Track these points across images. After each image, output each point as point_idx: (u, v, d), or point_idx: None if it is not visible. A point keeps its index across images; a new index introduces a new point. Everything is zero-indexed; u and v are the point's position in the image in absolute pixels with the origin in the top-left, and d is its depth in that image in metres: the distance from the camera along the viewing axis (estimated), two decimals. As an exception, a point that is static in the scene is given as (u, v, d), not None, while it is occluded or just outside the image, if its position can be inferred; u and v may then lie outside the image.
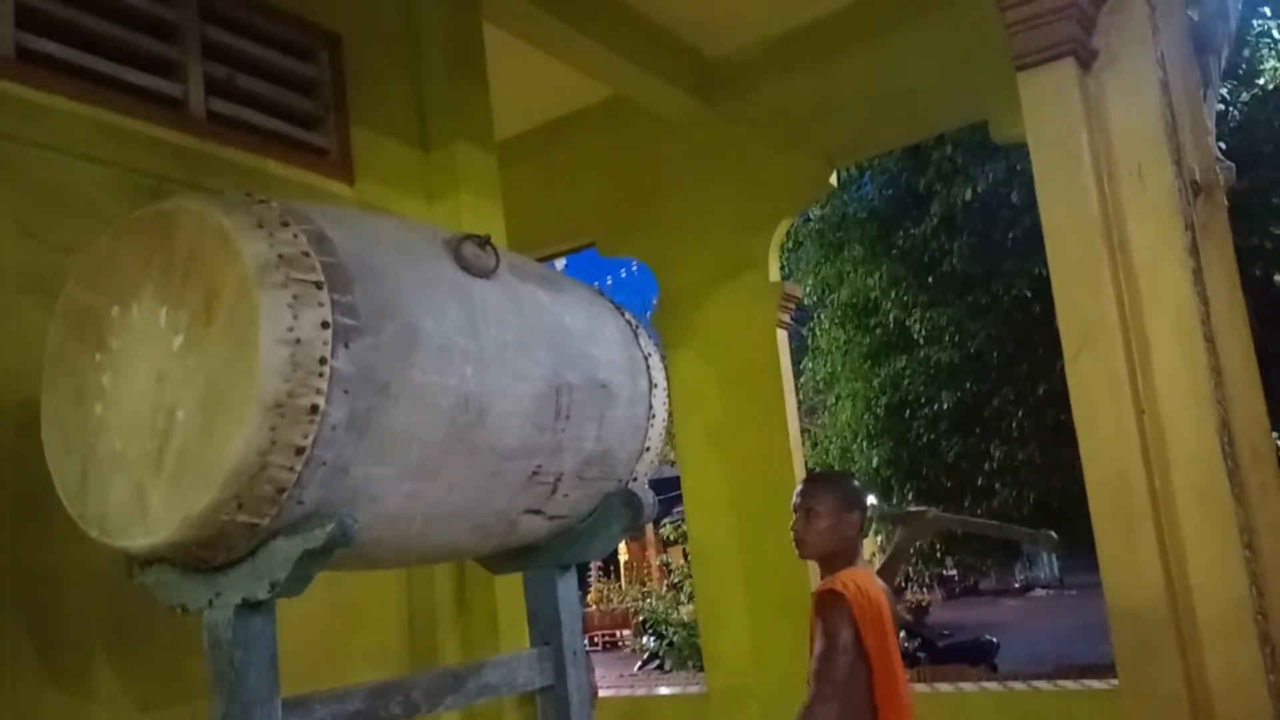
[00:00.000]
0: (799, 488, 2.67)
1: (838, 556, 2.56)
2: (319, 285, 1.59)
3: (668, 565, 21.78)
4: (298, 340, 1.53)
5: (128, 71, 2.60)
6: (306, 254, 1.60)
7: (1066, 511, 8.97)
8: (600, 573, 24.40)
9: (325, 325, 1.57)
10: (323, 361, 1.56)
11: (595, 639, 20.33)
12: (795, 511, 2.61)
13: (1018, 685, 5.50)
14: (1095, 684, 4.98)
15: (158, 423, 1.61)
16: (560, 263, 7.99)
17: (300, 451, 1.55)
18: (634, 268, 21.87)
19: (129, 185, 2.54)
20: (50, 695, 2.23)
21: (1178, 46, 3.40)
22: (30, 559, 2.23)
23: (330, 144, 3.16)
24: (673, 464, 7.33)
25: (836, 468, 10.84)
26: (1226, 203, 3.53)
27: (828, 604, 2.43)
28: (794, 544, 2.63)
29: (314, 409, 1.55)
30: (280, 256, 1.57)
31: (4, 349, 2.26)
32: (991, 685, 6.23)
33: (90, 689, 2.31)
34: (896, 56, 4.69)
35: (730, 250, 5.20)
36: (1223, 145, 3.78)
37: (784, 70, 5.02)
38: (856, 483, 2.76)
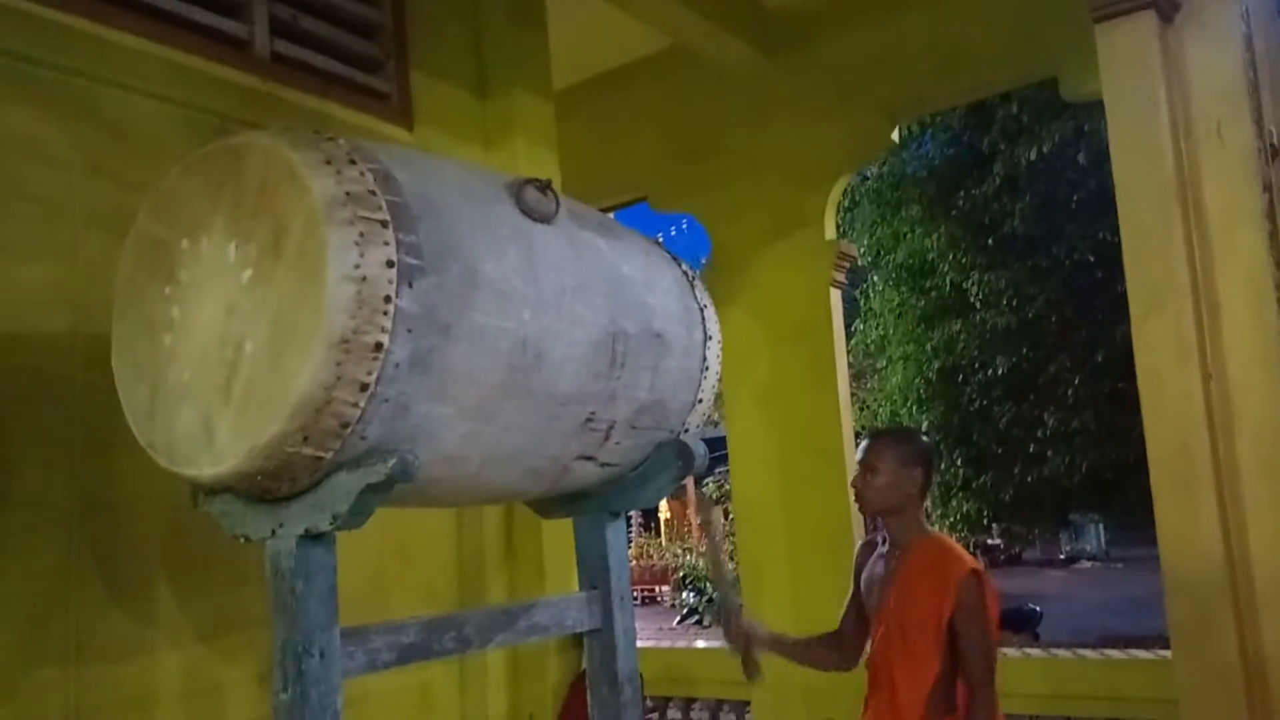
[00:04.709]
0: (863, 443, 2.63)
1: (902, 513, 2.52)
2: (384, 224, 1.59)
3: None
4: (364, 278, 1.54)
5: (196, 11, 2.63)
6: (373, 192, 1.61)
7: (1119, 481, 8.85)
8: (641, 529, 24.62)
9: (390, 264, 1.58)
10: (387, 300, 1.56)
11: (634, 593, 20.54)
12: (859, 466, 2.58)
13: (1061, 653, 5.45)
14: (1141, 654, 4.92)
15: (226, 354, 1.64)
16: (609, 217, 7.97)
17: (364, 388, 1.57)
18: (684, 225, 21.79)
19: (194, 124, 2.58)
20: (113, 620, 2.31)
21: (1261, 2, 3.27)
22: (98, 488, 2.30)
23: (390, 89, 3.18)
24: (716, 424, 7.29)
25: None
26: (1305, 167, 3.41)
27: (979, 587, 2.39)
28: (854, 499, 2.61)
29: (378, 346, 1.56)
30: (347, 194, 1.58)
31: (74, 283, 2.32)
32: (1035, 651, 6.19)
33: (151, 615, 2.39)
34: (963, 9, 4.54)
35: (785, 207, 5.12)
36: (1304, 107, 3.64)
37: (846, 22, 4.89)
38: (925, 439, 2.71)
